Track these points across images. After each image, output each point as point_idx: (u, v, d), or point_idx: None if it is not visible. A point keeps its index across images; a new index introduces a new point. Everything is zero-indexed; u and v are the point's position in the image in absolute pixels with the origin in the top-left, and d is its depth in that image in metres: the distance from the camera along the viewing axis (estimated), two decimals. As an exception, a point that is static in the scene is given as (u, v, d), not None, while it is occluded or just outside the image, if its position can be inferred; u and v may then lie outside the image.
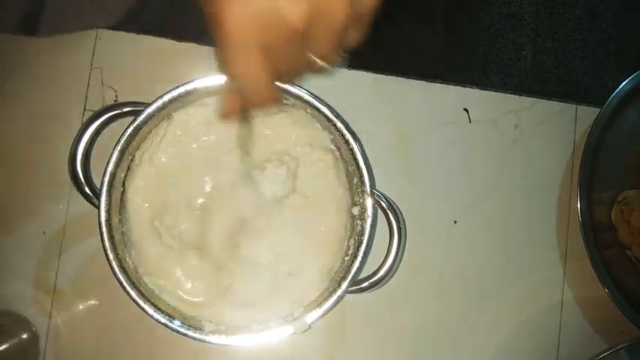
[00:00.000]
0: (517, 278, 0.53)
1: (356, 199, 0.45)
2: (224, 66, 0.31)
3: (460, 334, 0.52)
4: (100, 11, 0.51)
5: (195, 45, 0.52)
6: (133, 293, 0.43)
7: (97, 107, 0.49)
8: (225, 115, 0.36)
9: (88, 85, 0.52)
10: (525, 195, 0.53)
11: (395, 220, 0.44)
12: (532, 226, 0.53)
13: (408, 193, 0.49)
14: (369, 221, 0.44)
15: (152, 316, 0.43)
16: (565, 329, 0.52)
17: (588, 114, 0.53)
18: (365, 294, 0.49)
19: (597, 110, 0.51)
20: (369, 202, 0.44)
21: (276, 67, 0.31)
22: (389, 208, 0.44)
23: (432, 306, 0.52)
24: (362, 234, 0.44)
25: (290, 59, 0.31)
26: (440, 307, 0.52)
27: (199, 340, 0.43)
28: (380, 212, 0.45)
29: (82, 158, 0.43)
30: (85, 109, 0.51)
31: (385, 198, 0.45)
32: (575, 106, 0.54)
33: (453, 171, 0.53)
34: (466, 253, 0.53)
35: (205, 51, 0.52)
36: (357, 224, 0.45)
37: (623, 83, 0.51)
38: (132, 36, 0.52)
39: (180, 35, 0.52)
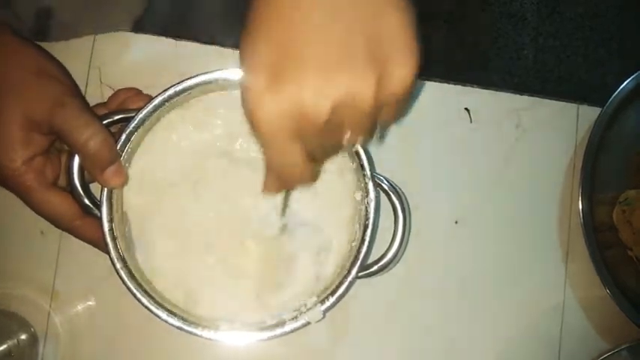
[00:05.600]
0: (518, 279, 0.52)
1: (357, 183, 0.45)
2: (264, 157, 0.33)
3: (460, 335, 0.52)
4: (107, 19, 0.51)
5: (194, 44, 0.52)
6: (144, 300, 0.43)
7: (95, 107, 0.49)
8: (266, 192, 0.38)
9: (86, 85, 0.51)
10: (526, 195, 0.53)
11: (398, 200, 0.44)
12: (533, 227, 0.53)
13: (407, 194, 0.48)
14: (372, 204, 0.44)
15: (166, 321, 0.42)
16: (566, 330, 0.52)
17: (590, 113, 0.53)
18: (366, 294, 0.49)
19: (599, 110, 0.51)
20: (370, 185, 0.44)
21: (312, 151, 0.32)
22: (391, 190, 0.45)
23: (433, 307, 0.52)
24: (367, 218, 0.44)
25: (325, 144, 0.32)
26: (440, 308, 0.52)
27: (215, 340, 0.43)
28: (383, 196, 0.45)
29: (78, 171, 0.42)
30: (83, 109, 0.51)
31: (386, 180, 0.45)
32: (576, 105, 0.54)
33: (454, 171, 0.53)
34: (467, 253, 0.52)
35: (204, 50, 0.52)
36: (361, 209, 0.45)
37: (625, 83, 0.51)
38: (130, 35, 0.52)
39: (179, 34, 0.52)
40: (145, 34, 0.52)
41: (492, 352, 0.52)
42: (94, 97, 0.51)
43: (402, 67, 0.29)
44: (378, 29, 0.29)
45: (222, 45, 0.52)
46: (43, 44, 0.50)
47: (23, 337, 0.49)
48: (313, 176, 0.35)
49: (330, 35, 0.28)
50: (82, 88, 0.51)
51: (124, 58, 0.52)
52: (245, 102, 0.30)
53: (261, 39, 0.30)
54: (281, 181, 0.35)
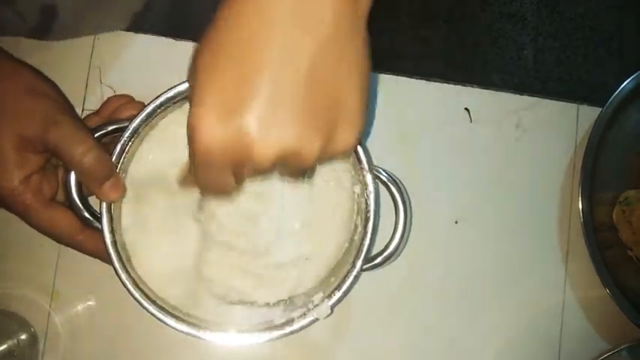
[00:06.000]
0: (518, 279, 0.52)
1: (355, 176, 0.45)
2: (192, 168, 0.32)
3: (460, 336, 0.52)
4: (108, 17, 0.51)
5: (194, 44, 0.52)
6: (151, 308, 0.42)
7: (95, 107, 0.49)
8: (182, 186, 0.40)
9: (86, 85, 0.51)
10: (526, 195, 0.53)
11: (397, 191, 0.45)
12: (533, 227, 0.53)
13: (408, 193, 0.48)
14: (372, 197, 0.44)
15: (176, 328, 0.42)
16: (566, 330, 0.52)
17: (590, 113, 0.53)
18: (366, 293, 0.49)
19: (599, 110, 0.51)
20: (368, 177, 0.44)
21: (238, 177, 0.32)
22: (389, 181, 0.45)
23: (433, 306, 0.52)
24: (367, 210, 0.44)
25: (252, 175, 0.32)
26: (441, 307, 0.52)
27: (226, 343, 0.43)
28: (383, 189, 0.45)
29: (75, 185, 0.42)
30: (83, 109, 0.51)
31: (385, 171, 0.45)
32: (576, 105, 0.54)
33: (454, 171, 0.53)
34: (467, 253, 0.52)
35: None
36: (361, 202, 0.45)
37: (625, 83, 0.51)
38: (130, 35, 0.52)
39: (179, 34, 0.52)
40: (145, 34, 0.52)
41: (492, 352, 0.52)
42: (94, 97, 0.51)
43: (347, 132, 0.30)
44: (337, 89, 0.29)
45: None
46: (44, 44, 0.50)
47: (23, 337, 0.49)
48: (232, 193, 0.35)
49: (291, 79, 0.28)
50: (82, 88, 0.51)
51: (124, 58, 0.52)
52: (191, 118, 0.29)
53: (222, 58, 0.29)
54: (200, 187, 0.35)
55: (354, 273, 0.43)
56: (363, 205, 0.44)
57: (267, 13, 0.28)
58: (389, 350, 0.51)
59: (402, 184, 0.45)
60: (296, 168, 0.31)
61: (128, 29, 0.52)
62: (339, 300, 0.43)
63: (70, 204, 0.43)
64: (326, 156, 0.30)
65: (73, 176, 0.42)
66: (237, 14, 0.29)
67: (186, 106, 0.45)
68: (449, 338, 0.52)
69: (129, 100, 0.47)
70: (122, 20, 0.52)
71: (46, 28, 0.49)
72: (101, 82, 0.51)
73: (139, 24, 0.53)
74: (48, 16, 0.48)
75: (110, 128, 0.44)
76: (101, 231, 0.43)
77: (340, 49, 0.29)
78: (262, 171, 0.30)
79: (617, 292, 0.49)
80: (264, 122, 0.28)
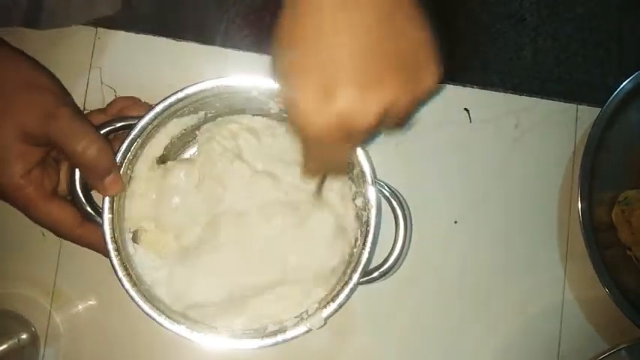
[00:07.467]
0: (517, 278, 0.53)
1: (358, 189, 0.45)
2: (306, 151, 0.37)
3: (460, 335, 0.52)
4: (97, 2, 0.51)
5: (194, 44, 0.52)
6: (146, 307, 0.42)
7: (96, 107, 0.49)
8: (308, 176, 0.43)
9: (87, 85, 0.51)
10: (526, 195, 0.53)
11: (399, 206, 0.44)
12: (532, 226, 0.53)
13: (407, 194, 0.48)
14: (373, 210, 0.44)
15: (169, 329, 0.42)
16: (565, 329, 0.52)
17: (589, 114, 0.53)
18: (365, 293, 0.49)
19: (598, 110, 0.51)
20: (371, 191, 0.44)
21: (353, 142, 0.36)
22: (392, 196, 0.45)
23: (432, 306, 0.52)
24: (368, 224, 0.44)
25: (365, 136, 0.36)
26: (440, 307, 0.52)
27: (216, 346, 0.43)
28: (384, 202, 0.45)
29: (80, 179, 0.43)
30: (84, 109, 0.51)
31: (387, 186, 0.45)
32: (575, 105, 0.54)
33: (453, 171, 0.53)
34: (466, 253, 0.53)
35: (204, 50, 0.52)
36: (362, 215, 0.45)
37: (624, 83, 0.51)
38: (131, 35, 0.52)
39: (179, 35, 0.52)
40: (146, 34, 0.52)
41: (492, 351, 0.52)
42: (94, 97, 0.51)
43: (429, 77, 0.34)
44: (404, 44, 0.33)
45: (215, 44, 0.52)
46: (44, 44, 0.50)
47: (24, 336, 0.49)
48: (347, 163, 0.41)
49: (365, 49, 0.31)
50: (83, 88, 0.51)
51: (125, 59, 0.52)
52: (297, 116, 0.32)
53: (301, 57, 0.32)
54: (320, 167, 0.41)
55: (350, 286, 0.43)
56: (364, 219, 0.44)
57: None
58: (388, 349, 0.52)
59: (404, 200, 0.45)
60: (397, 116, 0.34)
61: (128, 29, 0.52)
62: (334, 312, 0.43)
63: (73, 198, 0.43)
64: (416, 99, 0.34)
65: (77, 171, 0.43)
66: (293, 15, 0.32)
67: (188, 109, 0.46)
68: (448, 338, 0.52)
69: (135, 101, 0.48)
70: (111, 4, 0.51)
71: (36, 11, 0.48)
72: (102, 83, 0.51)
73: (133, 19, 0.53)
74: (37, 1, 0.48)
75: (118, 125, 0.44)
76: (101, 226, 0.43)
77: (396, 9, 0.32)
78: (372, 129, 0.33)
79: (616, 291, 0.49)
80: (358, 92, 0.31)
